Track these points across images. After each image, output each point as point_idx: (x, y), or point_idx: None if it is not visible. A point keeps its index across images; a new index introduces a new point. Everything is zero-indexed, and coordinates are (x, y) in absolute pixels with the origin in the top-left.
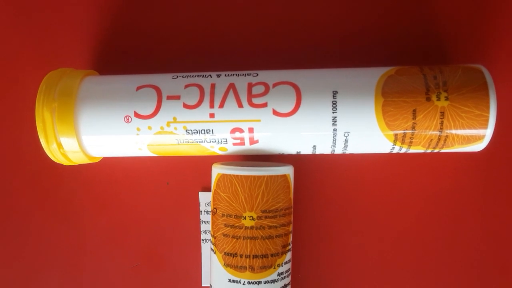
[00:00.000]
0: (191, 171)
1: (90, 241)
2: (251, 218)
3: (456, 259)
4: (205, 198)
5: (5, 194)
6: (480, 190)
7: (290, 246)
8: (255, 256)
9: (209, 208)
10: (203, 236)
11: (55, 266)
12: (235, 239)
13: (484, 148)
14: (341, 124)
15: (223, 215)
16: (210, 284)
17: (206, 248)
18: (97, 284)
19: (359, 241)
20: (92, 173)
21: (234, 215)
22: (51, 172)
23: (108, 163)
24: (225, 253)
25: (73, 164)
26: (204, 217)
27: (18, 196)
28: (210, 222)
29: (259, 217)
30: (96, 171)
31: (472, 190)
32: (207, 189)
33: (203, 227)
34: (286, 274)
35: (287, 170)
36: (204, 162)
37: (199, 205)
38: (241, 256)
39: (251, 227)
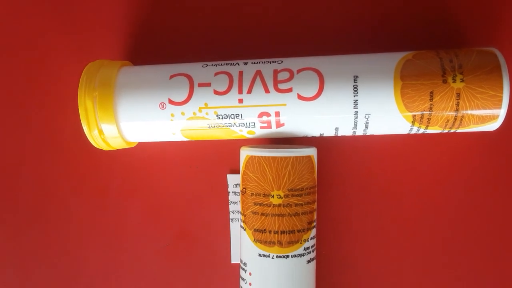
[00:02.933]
0: (219, 155)
1: (126, 221)
2: (278, 196)
3: (472, 236)
4: (233, 180)
5: (48, 179)
6: (495, 168)
7: (315, 223)
8: (282, 232)
9: (237, 189)
10: (231, 216)
11: (95, 247)
12: (264, 216)
13: (499, 127)
14: (362, 106)
15: (252, 194)
16: (241, 259)
17: (234, 227)
18: (134, 263)
19: (379, 219)
20: (128, 158)
21: (263, 194)
22: (90, 157)
23: (142, 148)
24: (254, 229)
25: (111, 149)
26: (232, 198)
27: (60, 180)
28: (240, 201)
29: (286, 196)
30: (131, 156)
31: (487, 168)
32: (235, 171)
33: (232, 207)
34: (312, 249)
35: (311, 152)
36: (232, 146)
37: (227, 187)
38: (269, 232)
39: (279, 205)
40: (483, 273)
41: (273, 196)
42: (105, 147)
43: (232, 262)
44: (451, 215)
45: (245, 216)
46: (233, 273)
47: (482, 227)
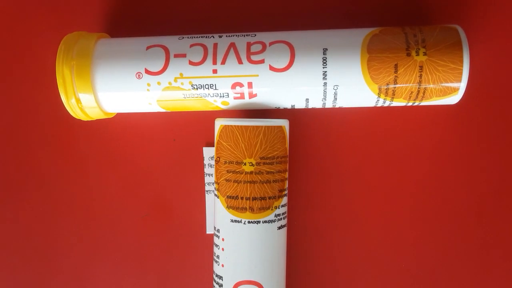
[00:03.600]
0: (195, 128)
1: (103, 192)
2: (250, 164)
3: (436, 207)
4: (208, 152)
5: (26, 150)
6: (457, 140)
7: (286, 192)
8: (254, 198)
9: (213, 162)
10: (207, 187)
11: (72, 218)
12: (236, 183)
13: (459, 101)
14: (330, 78)
15: (225, 162)
16: (214, 227)
17: (210, 198)
18: (111, 233)
19: (348, 190)
20: (106, 130)
21: (236, 162)
22: (68, 129)
23: (120, 120)
24: (227, 196)
25: (89, 119)
26: (208, 170)
27: (38, 151)
28: (214, 170)
29: (257, 163)
30: (109, 128)
31: (450, 140)
32: (211, 144)
33: (207, 179)
34: (283, 216)
35: (283, 123)
36: (207, 120)
37: (203, 159)
38: (241, 198)
39: (251, 172)
40: (446, 241)
41: (245, 164)
42: (83, 117)
43: (207, 232)
44: (416, 185)
45: (218, 184)
46: (208, 243)
47: (445, 197)
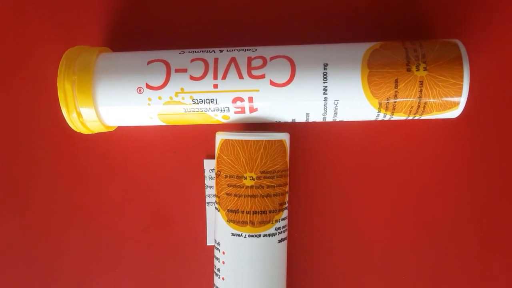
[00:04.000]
0: (196, 141)
1: (104, 205)
2: (251, 178)
3: (438, 221)
4: (209, 165)
5: (27, 163)
6: (457, 153)
7: (286, 205)
8: (255, 212)
9: (213, 174)
10: (207, 199)
11: (73, 230)
12: (237, 197)
13: (460, 115)
14: (331, 93)
15: (226, 176)
16: (215, 240)
17: (210, 210)
18: (112, 244)
19: (349, 202)
20: (106, 143)
21: (236, 176)
22: (69, 142)
23: (121, 133)
24: (228, 210)
25: (90, 132)
26: (208, 182)
27: (39, 164)
28: (214, 184)
29: (258, 177)
30: (110, 141)
31: (450, 153)
32: (211, 156)
33: (208, 191)
34: (283, 229)
35: (284, 136)
36: (208, 132)
37: (204, 171)
38: (242, 212)
39: (251, 186)
40: (446, 251)
41: (246, 178)
42: (84, 131)
43: (207, 244)
44: (417, 199)
45: (219, 197)
46: (208, 255)
47: (445, 210)
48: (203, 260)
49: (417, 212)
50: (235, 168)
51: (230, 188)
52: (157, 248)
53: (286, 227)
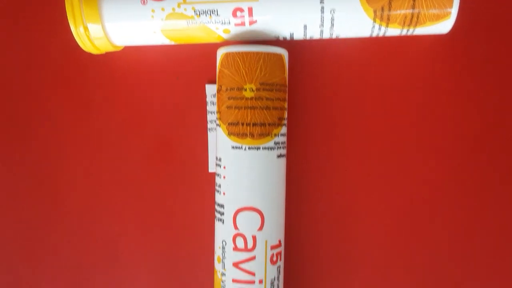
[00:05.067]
0: (198, 66)
1: (107, 129)
2: (251, 89)
3: (430, 137)
4: (211, 90)
5: (34, 86)
6: (450, 69)
7: (285, 122)
8: (254, 124)
9: (214, 100)
10: (209, 125)
11: (77, 154)
12: (237, 110)
13: (452, 30)
14: (327, 2)
15: (227, 89)
16: (216, 156)
17: (212, 136)
18: (115, 169)
19: (346, 118)
20: (111, 68)
21: (237, 88)
22: (75, 65)
23: (124, 59)
24: (228, 123)
25: (97, 52)
26: (210, 107)
27: (45, 85)
28: (216, 100)
29: (257, 89)
30: (113, 67)
31: (444, 69)
32: (213, 81)
33: (209, 117)
34: (282, 145)
35: (282, 51)
36: (210, 57)
37: (206, 97)
38: (242, 124)
39: (251, 98)
40: (440, 168)
41: (246, 90)
42: (92, 49)
43: (209, 171)
44: (409, 117)
45: (220, 112)
46: (210, 181)
47: (439, 127)
48: (204, 186)
49: (411, 124)
50: (235, 80)
51: (231, 101)
52: (160, 174)
53: (285, 145)
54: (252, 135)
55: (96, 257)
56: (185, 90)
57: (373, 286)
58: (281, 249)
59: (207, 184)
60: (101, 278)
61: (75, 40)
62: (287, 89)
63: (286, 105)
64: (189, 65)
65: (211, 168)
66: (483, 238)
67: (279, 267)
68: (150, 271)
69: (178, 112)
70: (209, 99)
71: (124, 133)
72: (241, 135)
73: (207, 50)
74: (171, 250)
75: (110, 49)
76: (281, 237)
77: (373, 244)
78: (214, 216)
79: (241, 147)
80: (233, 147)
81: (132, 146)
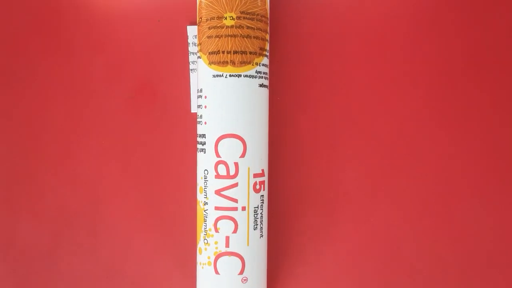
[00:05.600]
0: (179, 9)
1: (89, 73)
2: (231, 18)
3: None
4: (192, 31)
5: (15, 34)
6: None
7: (267, 53)
8: (235, 52)
9: (196, 40)
10: (191, 66)
11: (56, 94)
12: (217, 38)
13: None
14: None
15: (207, 20)
16: (198, 89)
17: (194, 77)
18: (99, 114)
19: (328, 50)
20: (91, 14)
21: (217, 17)
22: (56, 11)
23: (105, 4)
24: (209, 52)
25: None
26: (192, 48)
27: (26, 34)
28: (197, 33)
29: (238, 17)
30: (94, 12)
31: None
32: (194, 23)
33: (191, 58)
34: (264, 75)
35: None
36: (191, 0)
37: (187, 38)
38: (223, 52)
39: (231, 26)
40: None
41: (226, 18)
42: None
43: (191, 111)
44: (399, 47)
45: (201, 44)
46: (192, 122)
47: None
48: (187, 126)
49: (398, 57)
50: (215, 9)
51: (211, 30)
52: (142, 117)
53: (267, 76)
54: (233, 63)
55: (79, 198)
56: (166, 33)
57: (357, 213)
58: (265, 179)
59: (189, 123)
60: (85, 219)
61: None
62: (268, 21)
63: (267, 37)
64: (170, 7)
65: (193, 109)
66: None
67: (262, 196)
68: (134, 209)
69: (160, 54)
70: (190, 40)
71: (106, 76)
72: (222, 63)
73: None
74: (153, 189)
75: None
76: (265, 167)
77: (357, 174)
78: (196, 151)
79: (222, 75)
80: (214, 76)
81: (114, 90)
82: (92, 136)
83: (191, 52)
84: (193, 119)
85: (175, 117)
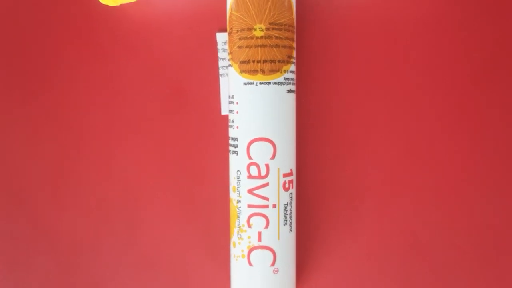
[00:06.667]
0: (208, 17)
1: (123, 78)
2: (260, 29)
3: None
4: (221, 38)
5: (52, 41)
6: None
7: (294, 60)
8: (265, 61)
9: (225, 47)
10: (221, 71)
11: (92, 100)
12: (248, 49)
13: None
14: None
15: (237, 31)
16: (229, 95)
17: (224, 81)
18: (131, 120)
19: (351, 56)
20: (125, 21)
21: (247, 29)
22: (91, 17)
23: (137, 12)
24: (240, 61)
25: (114, 4)
26: (221, 54)
27: (62, 37)
28: (227, 43)
29: (267, 28)
30: (127, 20)
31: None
32: (223, 30)
33: (221, 63)
34: (292, 81)
35: None
36: (220, 7)
37: (217, 44)
38: (253, 61)
39: (261, 37)
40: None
41: (255, 29)
42: (109, 1)
43: (222, 114)
44: (422, 50)
45: (232, 53)
46: (223, 123)
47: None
48: (218, 128)
49: (418, 69)
50: (246, 21)
51: (242, 41)
52: (175, 120)
53: (294, 82)
54: (263, 71)
55: (116, 201)
56: (196, 39)
57: (378, 206)
58: (293, 177)
59: (220, 125)
60: (124, 214)
61: None
62: (295, 30)
63: (294, 45)
64: (199, 15)
65: (224, 111)
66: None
67: (291, 193)
68: (170, 205)
69: (190, 60)
70: (220, 46)
71: (138, 83)
72: (252, 72)
73: (216, 2)
74: (187, 186)
75: (125, 0)
76: (293, 166)
77: (379, 172)
78: (228, 153)
79: (253, 83)
80: (245, 84)
81: (147, 95)
82: (130, 136)
83: (220, 58)
84: (224, 121)
85: (206, 119)
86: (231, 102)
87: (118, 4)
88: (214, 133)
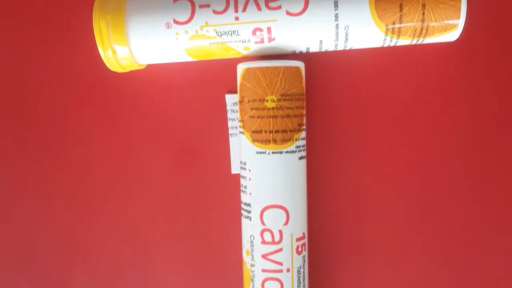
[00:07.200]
0: (217, 78)
1: (134, 141)
2: (272, 100)
3: (442, 140)
4: (231, 99)
5: (63, 103)
6: (458, 74)
7: (304, 126)
8: (277, 131)
9: (235, 108)
10: (230, 131)
11: (105, 164)
12: (260, 119)
13: (460, 37)
14: (342, 19)
15: (249, 101)
16: (241, 161)
17: (234, 141)
18: (141, 178)
19: (358, 121)
20: (135, 83)
21: (258, 99)
22: (101, 81)
23: (147, 74)
24: (252, 131)
25: (123, 71)
26: (230, 115)
27: (73, 104)
28: (238, 111)
29: (278, 100)
30: (137, 81)
31: (452, 74)
32: (232, 91)
33: (230, 123)
34: (303, 148)
35: (299, 64)
36: (228, 69)
37: (226, 105)
38: (265, 132)
39: (273, 108)
40: (451, 171)
41: (267, 101)
42: (118, 68)
43: (232, 172)
44: (420, 121)
45: (243, 122)
46: (234, 182)
47: (449, 127)
48: (229, 187)
49: (423, 128)
50: (257, 92)
51: (253, 111)
52: (186, 178)
53: (305, 147)
54: (275, 141)
55: (128, 258)
56: (206, 101)
57: (389, 272)
58: (305, 240)
59: (230, 184)
60: (133, 277)
61: (100, 58)
62: (304, 97)
63: (304, 112)
64: (209, 77)
65: (234, 170)
66: (494, 234)
67: (304, 256)
68: (181, 266)
69: (200, 121)
70: (229, 107)
71: (150, 142)
72: (264, 141)
73: (226, 63)
74: (199, 246)
75: (134, 67)
76: (305, 229)
77: (387, 235)
78: (239, 213)
79: (265, 152)
80: (257, 152)
81: (158, 155)
82: (140, 195)
83: (229, 119)
84: (234, 178)
85: (217, 177)
86: (243, 168)
87: (127, 71)
88: (225, 190)
